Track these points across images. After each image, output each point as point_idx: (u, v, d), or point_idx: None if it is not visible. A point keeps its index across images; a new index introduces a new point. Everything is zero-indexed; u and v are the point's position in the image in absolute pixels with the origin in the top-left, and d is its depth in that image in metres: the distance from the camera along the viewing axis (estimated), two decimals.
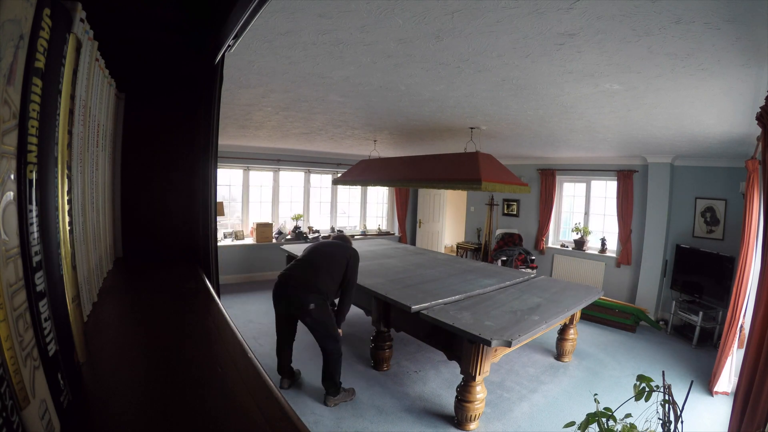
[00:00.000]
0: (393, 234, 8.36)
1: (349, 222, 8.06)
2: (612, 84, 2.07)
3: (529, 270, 5.74)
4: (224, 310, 0.74)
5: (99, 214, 0.76)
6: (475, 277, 3.78)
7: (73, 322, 0.44)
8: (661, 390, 1.44)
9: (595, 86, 2.13)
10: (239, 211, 6.49)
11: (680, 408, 1.42)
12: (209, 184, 1.13)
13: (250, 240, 6.36)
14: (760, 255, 2.01)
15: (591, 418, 1.36)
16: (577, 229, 6.08)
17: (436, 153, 4.70)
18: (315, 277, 2.69)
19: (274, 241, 6.43)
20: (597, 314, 4.77)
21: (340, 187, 7.57)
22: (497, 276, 3.84)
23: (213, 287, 0.90)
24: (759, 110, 1.83)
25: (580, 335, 4.13)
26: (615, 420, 1.37)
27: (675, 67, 1.73)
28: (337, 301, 2.97)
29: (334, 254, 2.88)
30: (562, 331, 3.67)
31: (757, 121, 1.89)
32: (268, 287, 5.87)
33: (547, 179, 6.35)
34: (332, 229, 7.47)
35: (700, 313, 4.16)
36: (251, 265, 6.26)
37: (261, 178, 6.61)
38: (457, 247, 7.99)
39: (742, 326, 3.11)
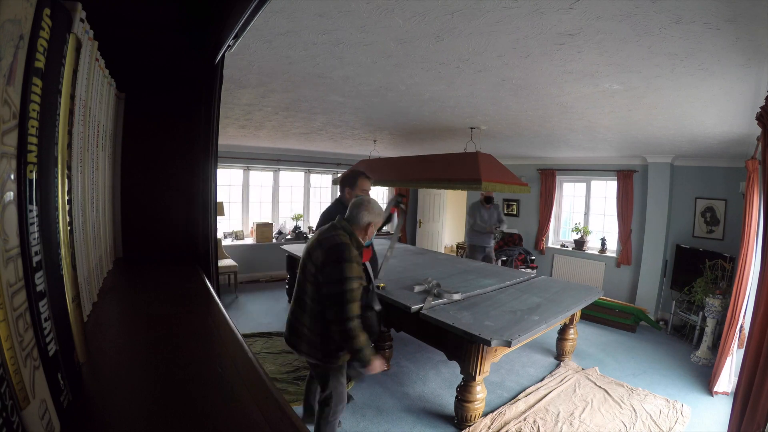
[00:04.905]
0: (393, 234, 8.35)
1: None
2: (612, 84, 2.07)
3: (529, 270, 5.73)
4: (224, 310, 0.74)
5: (99, 214, 0.76)
6: (475, 277, 3.77)
7: (73, 322, 0.44)
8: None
9: (595, 86, 2.13)
10: (239, 211, 6.49)
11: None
12: (209, 184, 1.13)
13: (250, 240, 6.36)
14: (760, 255, 2.01)
15: None
16: (577, 229, 6.08)
17: (436, 153, 4.69)
18: None
19: (274, 241, 6.43)
20: (597, 314, 4.77)
21: None
22: (497, 276, 3.83)
23: (213, 287, 0.90)
24: (759, 110, 1.83)
25: (580, 335, 4.12)
26: None
27: (675, 67, 1.73)
28: None
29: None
30: (562, 331, 3.66)
31: (757, 121, 1.89)
32: (268, 287, 5.91)
33: (547, 179, 6.34)
34: None
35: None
36: (251, 265, 6.26)
37: (261, 178, 6.61)
38: (457, 247, 7.98)
39: (742, 326, 3.10)
